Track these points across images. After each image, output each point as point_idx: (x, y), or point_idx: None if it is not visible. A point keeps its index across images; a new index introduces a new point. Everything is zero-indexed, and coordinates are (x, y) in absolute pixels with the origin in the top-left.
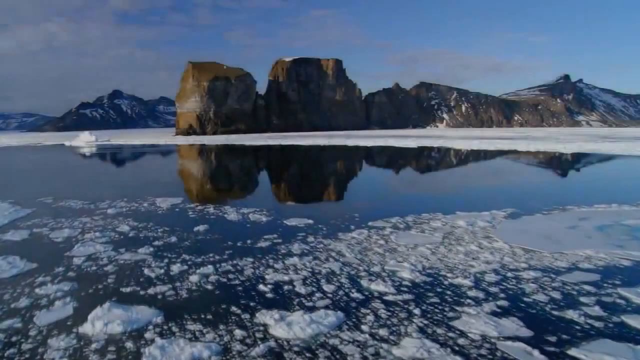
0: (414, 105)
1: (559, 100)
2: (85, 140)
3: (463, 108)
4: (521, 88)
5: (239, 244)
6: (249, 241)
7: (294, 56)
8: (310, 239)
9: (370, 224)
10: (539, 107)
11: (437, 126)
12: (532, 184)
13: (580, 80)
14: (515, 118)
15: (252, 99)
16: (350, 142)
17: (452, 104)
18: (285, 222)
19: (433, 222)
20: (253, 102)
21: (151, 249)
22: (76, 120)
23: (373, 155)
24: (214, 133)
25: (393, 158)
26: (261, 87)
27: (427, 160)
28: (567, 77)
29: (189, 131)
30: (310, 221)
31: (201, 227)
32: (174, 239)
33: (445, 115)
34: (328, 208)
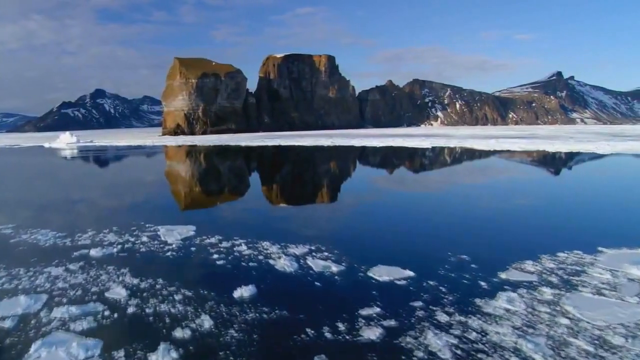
0: (408, 103)
1: (552, 97)
2: (65, 142)
3: (457, 106)
4: (512, 85)
5: (327, 334)
6: (341, 326)
7: (284, 53)
8: (441, 316)
9: (503, 276)
10: (533, 105)
11: (431, 124)
12: (633, 197)
13: (572, 78)
14: (510, 116)
15: (243, 96)
16: (357, 143)
17: (446, 101)
18: (370, 274)
19: (591, 270)
20: (244, 100)
21: (173, 352)
22: (58, 120)
23: (393, 157)
24: (203, 133)
25: (420, 161)
26: (250, 86)
27: (462, 164)
28: (559, 74)
29: (177, 131)
30: (409, 272)
31: (244, 291)
32: (207, 322)
33: (439, 113)
34: (415, 243)
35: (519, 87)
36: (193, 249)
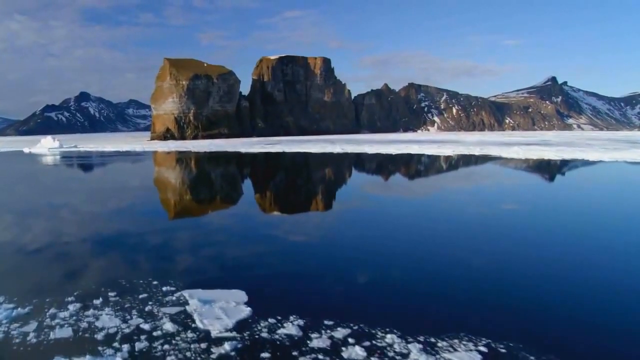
0: (404, 107)
1: (548, 103)
2: (47, 146)
3: (454, 111)
4: (503, 91)
5: None
6: None
7: (278, 55)
8: None
9: None
10: (530, 110)
11: (428, 129)
12: None
13: (565, 83)
14: (507, 121)
15: (236, 100)
16: (369, 149)
17: (443, 106)
18: None
19: None
20: (236, 104)
21: None
22: (41, 123)
23: (425, 167)
24: (194, 138)
25: (465, 173)
26: (240, 89)
27: (521, 177)
28: (554, 79)
29: (166, 135)
30: None
31: None
32: None
33: (436, 118)
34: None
35: (514, 92)
36: (267, 356)
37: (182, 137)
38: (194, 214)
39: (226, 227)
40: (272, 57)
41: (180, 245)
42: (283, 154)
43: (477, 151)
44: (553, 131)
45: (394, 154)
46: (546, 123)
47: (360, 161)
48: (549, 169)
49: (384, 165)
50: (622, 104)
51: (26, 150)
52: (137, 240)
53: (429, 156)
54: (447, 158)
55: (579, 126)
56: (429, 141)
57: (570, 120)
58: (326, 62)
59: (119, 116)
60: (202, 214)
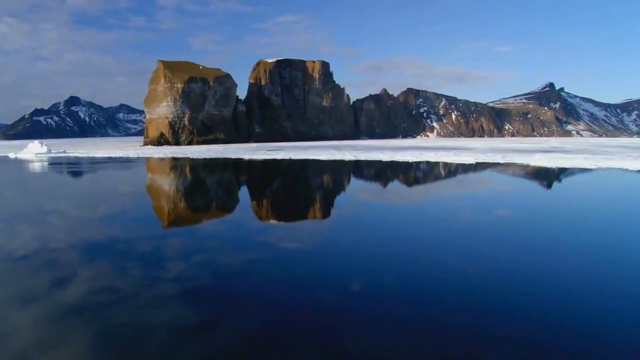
0: (403, 113)
1: (547, 109)
2: (35, 152)
3: (453, 116)
4: (503, 96)
5: None
6: None
7: (275, 58)
8: None
9: None
10: (529, 116)
11: (427, 136)
12: None
13: (562, 89)
14: (506, 127)
15: (233, 104)
16: (384, 157)
17: (442, 112)
18: None
19: None
20: (233, 108)
21: None
22: (29, 127)
23: (459, 177)
24: (189, 143)
25: (509, 185)
26: (237, 93)
27: (582, 188)
28: (552, 85)
29: (160, 140)
30: None
31: None
32: None
33: (435, 124)
34: None
35: (512, 98)
36: None
37: (177, 142)
38: (222, 245)
39: (279, 264)
40: (270, 61)
41: (216, 301)
42: (290, 161)
43: (499, 159)
44: (554, 137)
45: (411, 161)
46: (545, 129)
47: (381, 169)
48: (599, 179)
49: (410, 174)
50: (619, 111)
51: (12, 155)
52: (148, 286)
53: (456, 165)
54: (474, 166)
55: (578, 132)
56: (440, 148)
57: (569, 127)
58: (324, 65)
59: (110, 121)
60: (233, 244)
